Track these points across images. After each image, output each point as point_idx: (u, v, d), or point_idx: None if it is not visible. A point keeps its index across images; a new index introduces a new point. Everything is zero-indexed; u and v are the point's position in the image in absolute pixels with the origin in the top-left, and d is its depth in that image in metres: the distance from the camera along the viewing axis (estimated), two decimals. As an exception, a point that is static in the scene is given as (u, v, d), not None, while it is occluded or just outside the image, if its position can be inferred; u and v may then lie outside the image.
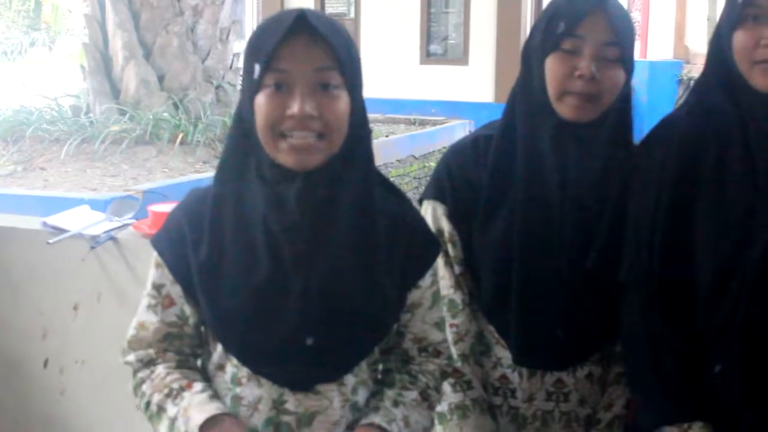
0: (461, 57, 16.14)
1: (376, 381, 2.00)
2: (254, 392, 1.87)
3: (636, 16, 24.21)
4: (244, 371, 1.87)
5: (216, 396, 1.88)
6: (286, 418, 1.86)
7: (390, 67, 16.27)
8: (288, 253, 1.80)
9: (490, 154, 2.14)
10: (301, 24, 1.74)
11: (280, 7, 17.10)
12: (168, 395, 1.86)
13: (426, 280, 1.97)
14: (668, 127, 2.10)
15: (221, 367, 1.90)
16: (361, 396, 1.93)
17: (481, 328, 2.21)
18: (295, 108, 1.73)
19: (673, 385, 1.99)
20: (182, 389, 1.87)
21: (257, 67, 1.75)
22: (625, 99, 2.12)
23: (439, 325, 2.02)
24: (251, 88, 1.77)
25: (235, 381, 1.88)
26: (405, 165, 11.90)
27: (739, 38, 1.92)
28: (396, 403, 1.92)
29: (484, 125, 2.27)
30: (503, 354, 2.17)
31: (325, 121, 1.76)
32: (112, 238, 3.30)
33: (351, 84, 1.81)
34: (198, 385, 1.88)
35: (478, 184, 2.14)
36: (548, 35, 2.07)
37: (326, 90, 1.76)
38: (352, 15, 17.23)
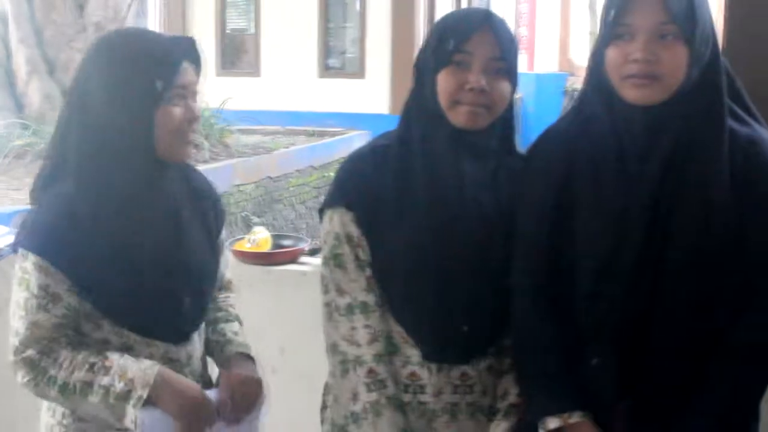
0: (358, 70, 16.22)
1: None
2: (145, 352, 2.11)
3: (523, 31, 24.61)
4: (134, 337, 2.11)
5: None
6: (173, 366, 2.14)
7: (289, 80, 16.24)
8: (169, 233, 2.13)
9: (389, 161, 2.17)
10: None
11: (182, 22, 16.95)
12: (91, 369, 2.01)
13: (223, 234, 2.37)
14: (551, 136, 2.17)
15: (105, 341, 2.09)
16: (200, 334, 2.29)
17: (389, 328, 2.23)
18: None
19: (555, 377, 2.06)
20: (103, 361, 2.03)
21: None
22: (509, 108, 2.20)
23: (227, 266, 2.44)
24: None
25: (126, 348, 2.10)
26: (305, 175, 11.92)
27: (611, 54, 1.98)
28: (236, 333, 2.34)
29: (380, 135, 2.29)
30: (412, 352, 2.19)
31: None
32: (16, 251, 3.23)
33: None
34: (114, 355, 2.05)
35: (379, 191, 2.15)
36: (439, 51, 2.12)
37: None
38: (253, 30, 17.16)
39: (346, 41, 17.03)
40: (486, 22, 2.11)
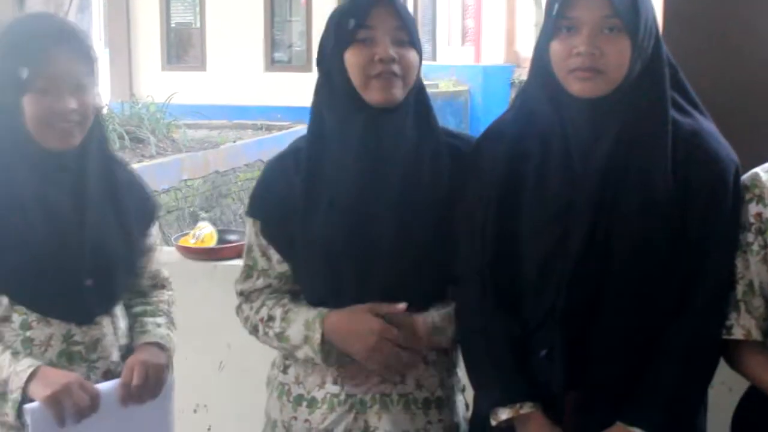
0: (305, 64, 16.16)
1: (127, 314, 2.34)
2: (45, 331, 2.13)
3: (469, 23, 24.74)
4: (34, 316, 2.12)
5: (16, 352, 2.10)
6: (76, 348, 2.16)
7: (236, 74, 16.18)
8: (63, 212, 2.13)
9: (300, 163, 2.17)
10: None
11: (126, 16, 16.81)
12: None
13: (154, 229, 2.39)
14: (496, 129, 2.16)
15: (6, 319, 2.11)
16: (123, 324, 2.28)
17: None
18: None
19: (505, 368, 2.06)
20: None
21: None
22: (419, 83, 2.19)
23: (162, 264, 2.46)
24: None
25: (26, 326, 2.12)
26: (253, 169, 11.88)
27: (555, 48, 1.98)
28: (158, 325, 2.32)
29: (296, 140, 2.31)
30: None
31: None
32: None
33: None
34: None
35: (285, 197, 2.16)
36: (340, 33, 2.11)
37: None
38: (198, 24, 17.06)
39: (292, 34, 16.99)
40: None
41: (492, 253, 2.07)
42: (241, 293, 2.29)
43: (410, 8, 17.41)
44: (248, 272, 2.27)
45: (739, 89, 2.95)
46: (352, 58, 2.09)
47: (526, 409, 2.02)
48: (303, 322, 2.15)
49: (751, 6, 2.96)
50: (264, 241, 2.22)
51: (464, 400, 2.34)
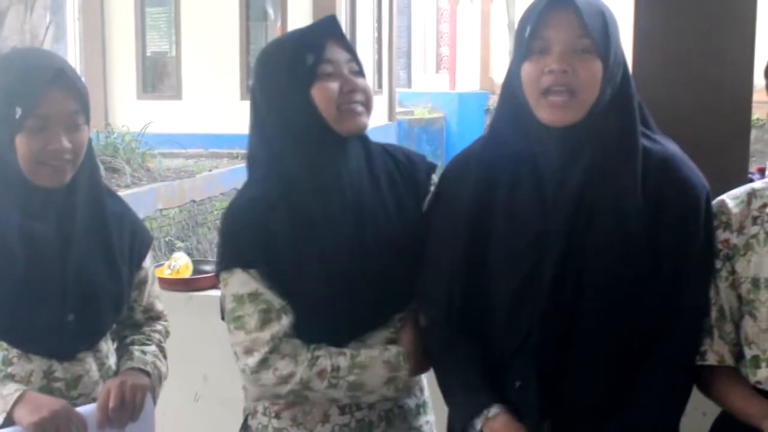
0: (281, 92, 16.15)
1: (119, 347, 2.35)
2: (25, 368, 2.11)
3: (444, 50, 24.86)
4: (14, 352, 2.11)
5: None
6: (56, 384, 2.14)
7: (212, 103, 16.15)
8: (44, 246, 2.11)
9: (277, 208, 2.12)
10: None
11: (101, 45, 16.77)
12: None
13: (147, 261, 2.38)
14: (464, 161, 2.16)
15: None
16: (112, 360, 2.29)
17: None
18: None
19: (477, 387, 2.07)
20: None
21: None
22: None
23: (159, 297, 2.46)
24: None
25: (6, 362, 2.10)
26: (229, 198, 11.84)
27: (527, 70, 1.98)
28: (144, 352, 2.31)
29: (246, 186, 2.24)
30: None
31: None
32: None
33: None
34: None
35: (272, 240, 2.11)
36: (299, 70, 2.12)
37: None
38: (174, 53, 17.04)
39: (268, 63, 17.00)
40: (332, 33, 2.16)
41: (461, 287, 2.07)
42: (270, 340, 2.08)
43: (386, 37, 17.44)
44: (265, 317, 2.09)
45: (710, 117, 2.97)
46: (321, 93, 2.10)
47: (494, 410, 2.02)
48: (382, 365, 2.11)
49: (723, 36, 2.99)
50: (261, 285, 2.11)
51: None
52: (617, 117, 1.99)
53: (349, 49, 2.17)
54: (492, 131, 2.12)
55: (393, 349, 2.13)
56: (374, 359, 2.11)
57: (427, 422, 2.31)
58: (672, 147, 2.06)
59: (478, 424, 2.02)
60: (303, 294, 2.12)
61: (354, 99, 2.12)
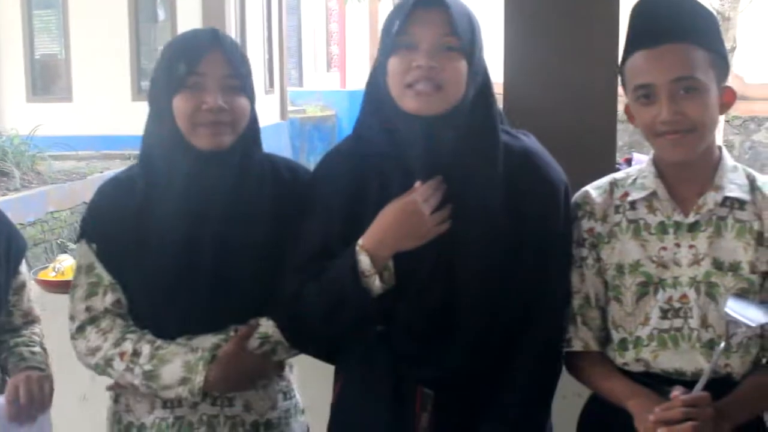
0: (173, 92, 15.94)
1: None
2: None
3: (334, 49, 24.87)
4: None
5: None
6: None
7: (103, 104, 15.86)
8: None
9: (135, 193, 2.16)
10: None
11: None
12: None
13: (23, 267, 2.42)
14: (333, 157, 2.19)
15: None
16: None
17: None
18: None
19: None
20: None
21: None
22: (252, 123, 2.19)
23: (35, 301, 2.51)
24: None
25: None
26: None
27: (393, 64, 2.00)
28: (33, 353, 2.37)
29: (130, 165, 2.30)
30: None
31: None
32: None
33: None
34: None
35: (119, 222, 2.15)
36: (172, 76, 2.11)
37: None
38: (63, 55, 16.69)
39: (159, 63, 16.78)
40: (215, 43, 2.12)
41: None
42: (87, 310, 2.18)
43: (276, 37, 17.24)
44: (92, 290, 2.18)
45: (578, 114, 3.06)
46: (180, 104, 2.10)
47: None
48: (182, 364, 2.11)
49: (588, 37, 3.08)
50: (98, 262, 2.18)
51: (304, 423, 2.36)
52: (479, 111, 2.04)
53: (233, 64, 2.12)
54: (358, 129, 2.14)
55: (199, 353, 2.11)
56: (176, 356, 2.12)
57: None
58: (530, 142, 2.12)
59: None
60: (135, 279, 2.16)
61: (214, 118, 2.09)
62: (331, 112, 19.34)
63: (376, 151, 2.06)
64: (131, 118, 15.66)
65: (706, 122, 1.98)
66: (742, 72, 15.90)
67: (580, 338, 2.11)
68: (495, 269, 2.02)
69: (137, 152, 2.26)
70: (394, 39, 2.00)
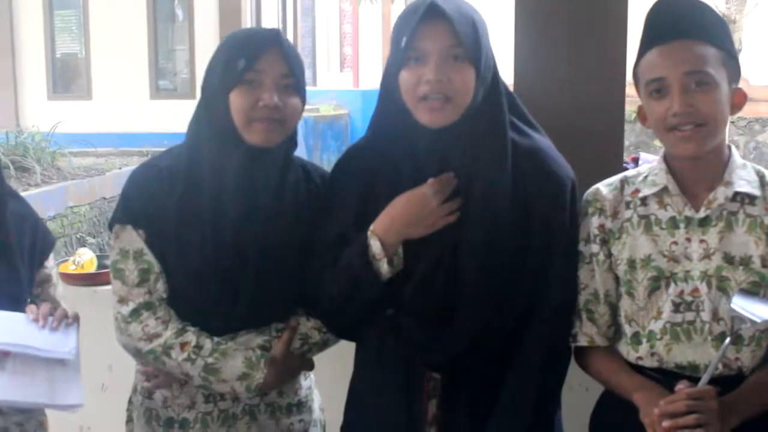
0: (189, 91, 15.98)
1: None
2: None
3: (348, 50, 24.86)
4: None
5: None
6: None
7: (121, 102, 15.92)
8: None
9: (176, 183, 2.14)
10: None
11: (11, 47, 16.39)
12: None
13: (50, 262, 2.45)
14: (349, 157, 2.21)
15: None
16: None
17: None
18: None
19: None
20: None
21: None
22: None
23: (64, 298, 2.51)
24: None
25: None
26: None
27: (405, 77, 2.02)
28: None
29: (164, 153, 2.26)
30: None
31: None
32: None
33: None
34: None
35: (163, 211, 2.13)
36: (229, 71, 2.11)
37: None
38: (83, 54, 16.74)
39: (177, 63, 16.80)
40: (274, 42, 2.12)
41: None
42: (142, 295, 2.13)
43: (291, 38, 17.27)
44: (143, 275, 2.15)
45: (587, 115, 3.06)
46: (237, 100, 2.10)
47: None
48: (243, 360, 2.13)
49: (597, 38, 3.07)
50: (145, 247, 2.15)
51: (319, 396, 2.44)
52: (487, 112, 2.05)
53: (290, 64, 2.13)
54: (373, 131, 2.16)
55: (258, 352, 2.15)
56: (237, 351, 2.14)
57: (300, 421, 2.32)
58: (540, 140, 2.13)
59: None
60: (178, 271, 2.15)
61: (269, 115, 2.10)
62: (344, 111, 19.34)
63: (390, 151, 2.09)
64: (149, 116, 15.79)
65: (717, 117, 1.98)
66: (747, 74, 15.83)
67: (585, 333, 2.12)
68: (498, 262, 2.03)
69: (155, 149, 2.26)
70: (402, 54, 2.01)
